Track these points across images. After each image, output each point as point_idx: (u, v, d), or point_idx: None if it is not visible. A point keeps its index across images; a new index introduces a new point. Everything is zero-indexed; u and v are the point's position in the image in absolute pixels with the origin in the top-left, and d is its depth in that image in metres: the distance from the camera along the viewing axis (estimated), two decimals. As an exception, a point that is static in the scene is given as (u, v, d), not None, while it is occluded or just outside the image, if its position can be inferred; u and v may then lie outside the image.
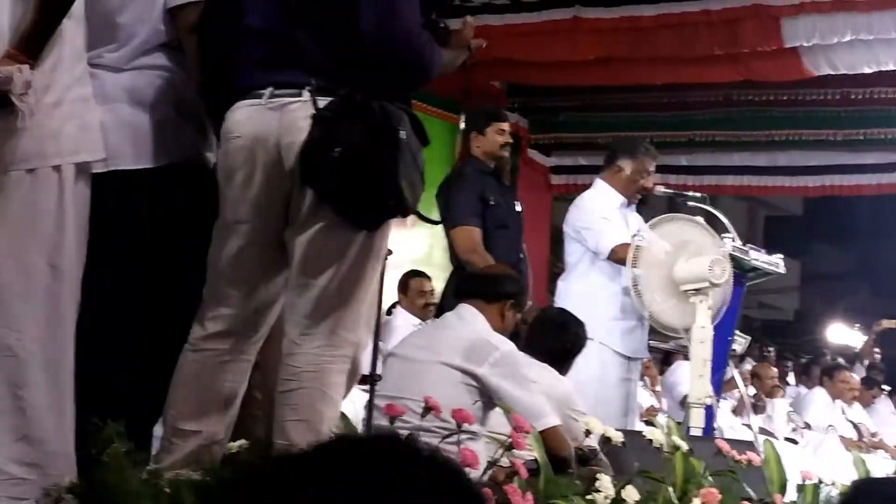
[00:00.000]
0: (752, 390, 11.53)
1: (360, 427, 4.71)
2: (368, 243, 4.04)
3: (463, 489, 1.50)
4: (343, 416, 4.41)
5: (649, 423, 6.77)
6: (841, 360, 14.41)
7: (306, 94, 3.97)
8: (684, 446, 5.50)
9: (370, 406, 4.59)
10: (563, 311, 6.94)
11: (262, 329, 4.16)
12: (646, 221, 7.67)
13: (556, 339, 6.37)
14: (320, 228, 3.97)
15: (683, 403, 7.85)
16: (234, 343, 4.09)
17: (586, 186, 8.18)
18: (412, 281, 9.81)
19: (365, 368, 5.16)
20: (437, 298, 8.65)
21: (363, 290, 4.07)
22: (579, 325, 6.52)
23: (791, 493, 6.45)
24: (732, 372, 8.39)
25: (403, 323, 9.11)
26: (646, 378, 10.84)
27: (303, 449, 1.49)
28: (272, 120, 4.01)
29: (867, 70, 11.61)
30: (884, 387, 13.85)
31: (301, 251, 4.00)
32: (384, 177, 3.86)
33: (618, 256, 7.46)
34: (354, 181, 3.87)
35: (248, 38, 4.15)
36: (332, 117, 3.91)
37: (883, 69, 11.54)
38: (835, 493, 6.70)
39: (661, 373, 11.87)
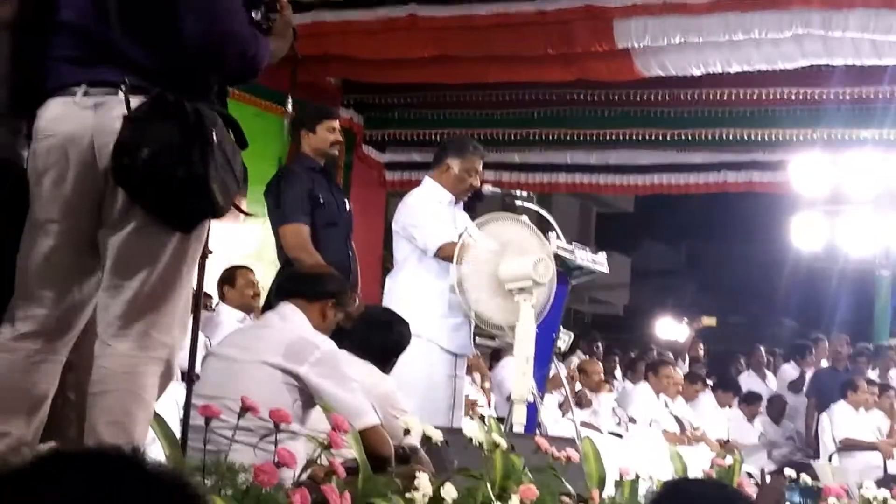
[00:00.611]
0: (579, 385, 11.70)
1: (177, 428, 4.68)
2: (183, 245, 4.02)
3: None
4: (158, 417, 4.38)
5: (480, 418, 6.84)
6: (667, 355, 14.67)
7: (121, 94, 3.91)
8: (504, 444, 5.58)
9: (187, 406, 4.58)
10: (387, 310, 6.98)
11: (74, 329, 4.11)
12: (481, 217, 7.73)
13: (380, 338, 6.39)
14: (133, 230, 3.94)
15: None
16: (46, 343, 4.04)
17: (421, 183, 8.22)
18: (238, 273, 9.75)
19: (185, 365, 5.15)
20: (265, 292, 8.61)
21: (177, 292, 4.05)
22: (403, 324, 6.56)
23: (610, 488, 6.59)
24: (556, 368, 8.51)
25: (228, 318, 9.05)
26: (474, 374, 10.93)
27: (20, 465, 1.50)
28: (86, 119, 3.95)
29: (696, 72, 11.86)
30: (707, 381, 14.16)
31: (114, 252, 3.97)
32: (194, 179, 3.83)
33: (445, 254, 7.52)
34: (164, 183, 3.84)
35: (61, 33, 4.09)
36: (143, 118, 3.87)
37: (711, 71, 11.80)
38: (654, 487, 6.85)
39: (491, 369, 11.98)
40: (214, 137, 3.88)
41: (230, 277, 9.76)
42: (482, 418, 6.58)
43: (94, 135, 3.94)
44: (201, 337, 5.85)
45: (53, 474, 1.47)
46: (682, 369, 13.67)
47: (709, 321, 15.93)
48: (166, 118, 3.85)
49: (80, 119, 3.96)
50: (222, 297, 9.69)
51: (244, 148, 4.15)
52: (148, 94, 3.89)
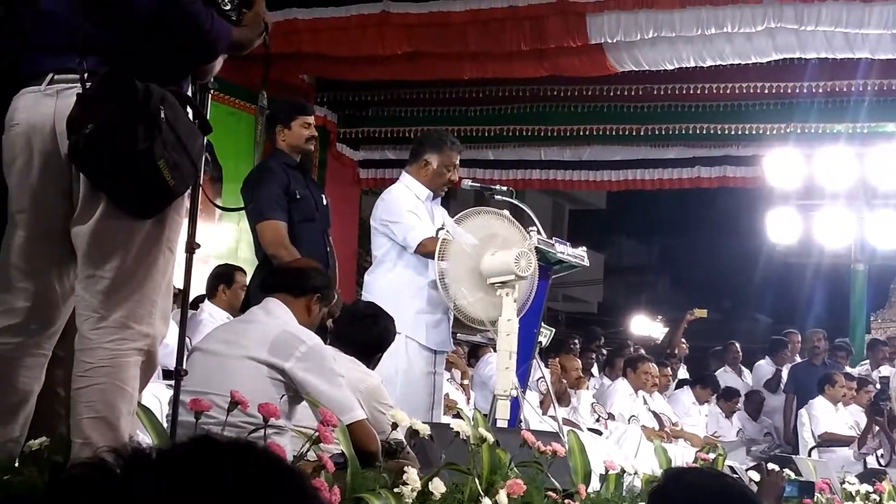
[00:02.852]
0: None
1: (164, 422, 4.62)
2: (155, 232, 3.97)
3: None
4: (147, 410, 4.32)
5: (456, 415, 6.79)
6: (643, 352, 14.67)
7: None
8: (490, 438, 5.53)
9: (175, 401, 4.52)
10: (372, 304, 6.91)
11: (57, 323, 4.06)
12: (454, 215, 7.68)
13: (365, 333, 6.32)
14: (99, 216, 3.89)
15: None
16: (27, 337, 3.99)
17: (394, 180, 8.17)
18: (237, 273, 9.62)
19: (167, 362, 5.08)
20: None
21: (154, 281, 3.98)
22: (389, 319, 6.49)
23: (595, 483, 6.55)
24: (537, 364, 8.46)
25: (210, 318, 8.97)
26: (454, 371, 10.89)
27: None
28: (48, 106, 3.94)
29: (669, 66, 11.87)
30: (676, 372, 14.17)
31: (84, 241, 3.92)
32: (138, 155, 3.78)
33: (425, 250, 7.46)
34: (109, 160, 3.79)
35: (39, 23, 4.07)
36: (92, 95, 3.84)
37: (684, 66, 11.81)
38: (637, 482, 6.82)
39: (469, 366, 11.94)
40: (163, 115, 3.82)
41: (228, 276, 9.62)
42: (458, 416, 6.50)
43: (56, 121, 3.92)
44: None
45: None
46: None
47: (700, 312, 15.90)
48: (114, 96, 3.80)
49: (43, 106, 3.95)
50: (212, 294, 9.57)
51: (207, 132, 4.10)
52: None
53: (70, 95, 3.90)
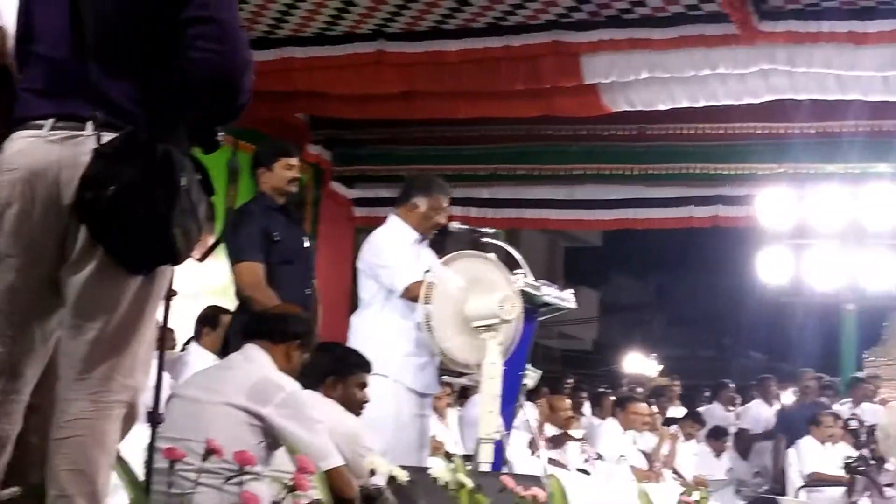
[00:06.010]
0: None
1: (139, 470, 4.65)
2: (146, 286, 3.94)
3: None
4: (122, 460, 4.35)
5: (445, 457, 6.82)
6: (635, 391, 14.67)
7: (90, 128, 3.83)
8: (469, 483, 5.56)
9: (150, 449, 4.55)
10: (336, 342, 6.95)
11: (35, 369, 4.05)
12: (447, 254, 7.67)
13: (316, 360, 6.26)
14: (94, 269, 3.85)
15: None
16: (5, 383, 3.96)
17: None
18: (222, 316, 9.62)
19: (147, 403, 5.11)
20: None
21: (141, 334, 3.97)
22: (349, 351, 6.54)
23: (577, 527, 6.58)
24: (524, 406, 8.48)
25: (197, 360, 8.97)
26: (439, 413, 10.89)
27: None
28: (52, 153, 3.86)
29: (663, 107, 11.93)
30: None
31: (75, 291, 3.89)
32: (156, 222, 3.77)
33: (411, 295, 7.45)
34: (125, 223, 3.77)
35: (33, 66, 4.03)
36: (112, 154, 3.78)
37: (678, 106, 11.88)
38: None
39: (459, 406, 11.95)
40: (182, 182, 3.83)
41: (213, 318, 9.60)
42: (448, 456, 6.53)
43: (60, 169, 3.84)
44: (166, 377, 5.81)
45: None
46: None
47: (661, 380, 16.11)
48: (135, 157, 3.78)
49: (46, 153, 3.87)
50: (198, 336, 9.57)
51: (212, 194, 4.10)
52: (118, 130, 3.81)
53: (76, 144, 3.84)
